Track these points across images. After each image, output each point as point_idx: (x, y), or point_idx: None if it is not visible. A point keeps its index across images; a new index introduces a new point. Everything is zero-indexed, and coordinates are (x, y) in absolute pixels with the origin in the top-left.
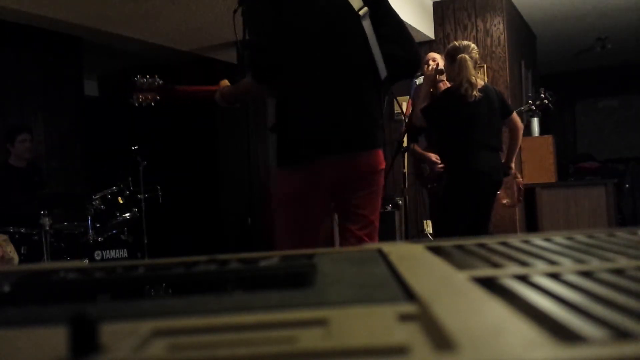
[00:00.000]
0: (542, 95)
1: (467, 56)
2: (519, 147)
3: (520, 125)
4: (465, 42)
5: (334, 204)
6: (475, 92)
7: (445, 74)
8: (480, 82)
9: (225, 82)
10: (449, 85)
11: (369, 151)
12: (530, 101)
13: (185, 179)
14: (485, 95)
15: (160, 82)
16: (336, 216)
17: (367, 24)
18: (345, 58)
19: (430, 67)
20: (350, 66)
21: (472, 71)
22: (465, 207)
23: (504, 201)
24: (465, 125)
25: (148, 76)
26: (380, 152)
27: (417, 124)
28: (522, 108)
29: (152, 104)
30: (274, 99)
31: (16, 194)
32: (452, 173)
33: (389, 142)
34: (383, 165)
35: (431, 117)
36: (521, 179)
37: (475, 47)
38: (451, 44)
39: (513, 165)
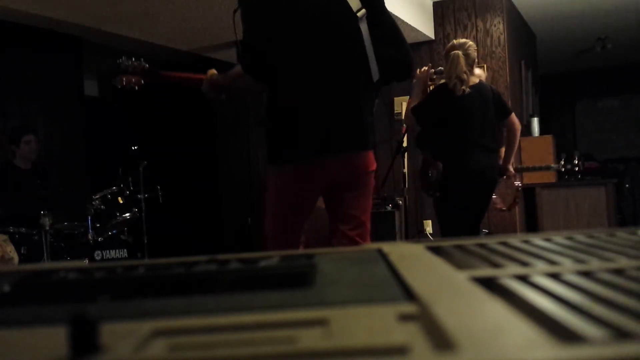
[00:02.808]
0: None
1: (459, 52)
2: (516, 148)
3: (518, 126)
4: (462, 40)
5: (326, 205)
6: (463, 87)
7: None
8: (474, 79)
9: (213, 72)
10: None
11: (361, 152)
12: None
13: (185, 179)
14: (479, 92)
15: (146, 65)
16: None
17: (364, 26)
18: (342, 59)
19: (422, 69)
20: (346, 67)
21: (464, 67)
22: (460, 207)
23: (498, 206)
24: (454, 120)
25: (134, 59)
26: (372, 154)
27: (408, 124)
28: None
29: (137, 87)
30: (265, 92)
31: (19, 194)
32: (446, 172)
33: (388, 142)
34: (374, 167)
35: (421, 115)
36: (519, 182)
37: (473, 45)
38: (450, 43)
39: (511, 166)
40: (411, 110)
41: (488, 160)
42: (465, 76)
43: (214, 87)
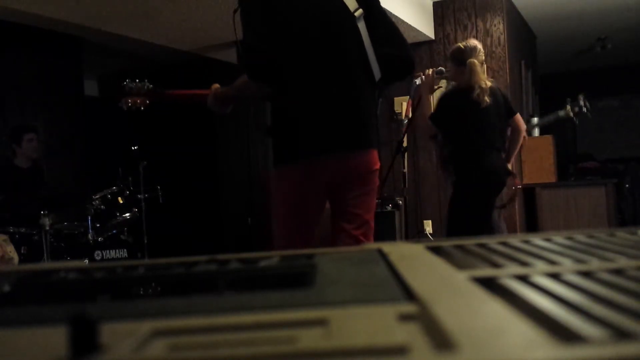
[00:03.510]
0: (582, 103)
1: (476, 60)
2: (519, 147)
3: (523, 126)
4: (471, 44)
5: (330, 204)
6: (487, 98)
7: (446, 76)
8: (489, 83)
9: (217, 86)
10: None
11: (365, 151)
12: (568, 106)
13: (185, 179)
14: (494, 98)
15: (150, 86)
16: None
17: (362, 26)
18: (342, 59)
19: (427, 73)
20: (346, 67)
21: (483, 75)
22: (474, 207)
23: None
24: (476, 129)
25: (137, 80)
26: (375, 153)
27: (423, 125)
28: (561, 113)
29: (142, 108)
30: (269, 101)
31: (19, 195)
32: (462, 173)
33: (388, 142)
34: (378, 166)
35: (441, 122)
36: (518, 180)
37: (481, 49)
38: (456, 46)
39: (510, 165)
40: (431, 120)
41: (500, 161)
42: (484, 84)
43: (218, 101)
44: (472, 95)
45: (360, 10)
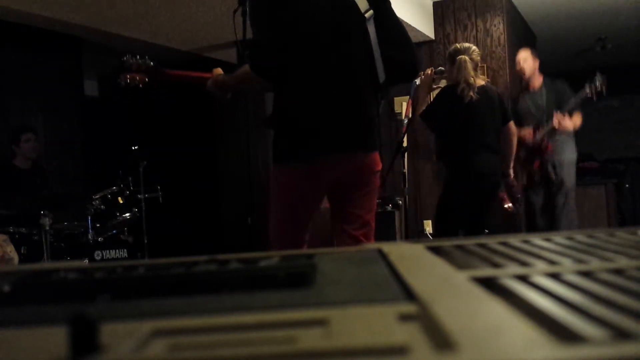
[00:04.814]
0: (598, 83)
1: (466, 57)
2: (514, 153)
3: (515, 131)
4: (466, 44)
5: (330, 205)
6: (472, 94)
7: (446, 76)
8: (480, 82)
9: (219, 71)
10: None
11: (368, 152)
12: (587, 90)
13: (185, 179)
14: (485, 95)
15: (151, 63)
16: None
17: (371, 27)
18: (348, 59)
19: (426, 73)
20: (351, 68)
21: (471, 72)
22: (465, 208)
23: (507, 205)
24: (462, 126)
25: (138, 56)
26: (377, 154)
27: (418, 128)
28: (581, 95)
29: (141, 85)
30: (271, 92)
31: (19, 194)
32: (452, 174)
33: (388, 142)
34: (380, 167)
35: (429, 118)
36: (516, 184)
37: (476, 49)
38: (452, 46)
39: (512, 171)
40: (420, 116)
41: (494, 162)
42: (472, 81)
43: (218, 87)
44: (457, 91)
45: (371, 11)
